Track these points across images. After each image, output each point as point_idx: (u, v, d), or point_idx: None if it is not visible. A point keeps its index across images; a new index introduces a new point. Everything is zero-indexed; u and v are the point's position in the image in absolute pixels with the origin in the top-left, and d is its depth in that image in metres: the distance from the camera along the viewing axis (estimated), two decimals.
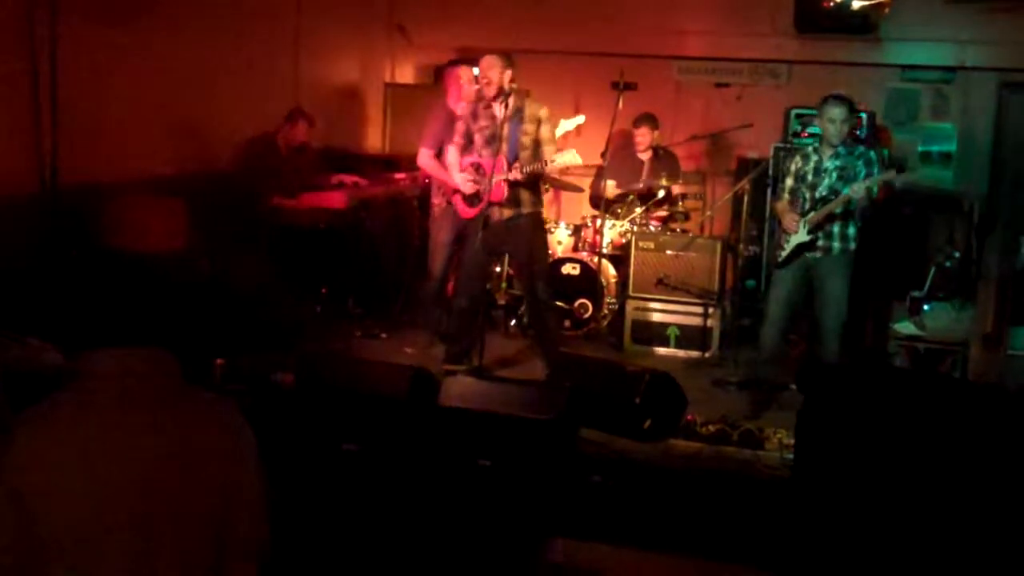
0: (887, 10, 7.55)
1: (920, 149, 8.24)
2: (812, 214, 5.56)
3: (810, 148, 5.75)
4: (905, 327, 6.07)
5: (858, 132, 7.18)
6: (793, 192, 5.74)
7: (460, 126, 6.01)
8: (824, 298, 5.62)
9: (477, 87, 6.11)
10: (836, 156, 5.57)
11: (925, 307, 6.10)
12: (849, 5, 7.41)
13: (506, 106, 5.75)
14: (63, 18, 5.50)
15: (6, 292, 4.46)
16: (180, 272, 5.46)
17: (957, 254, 6.53)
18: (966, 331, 5.88)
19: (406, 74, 9.48)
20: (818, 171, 5.61)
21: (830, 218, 5.53)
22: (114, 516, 1.93)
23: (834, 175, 5.55)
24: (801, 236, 5.59)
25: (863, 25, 7.77)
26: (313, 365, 5.21)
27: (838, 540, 3.68)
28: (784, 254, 5.67)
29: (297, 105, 7.16)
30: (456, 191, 6.09)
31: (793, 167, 5.76)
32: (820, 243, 5.58)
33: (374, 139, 9.11)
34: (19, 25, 5.39)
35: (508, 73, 5.74)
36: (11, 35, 5.37)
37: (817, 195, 5.58)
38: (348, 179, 7.27)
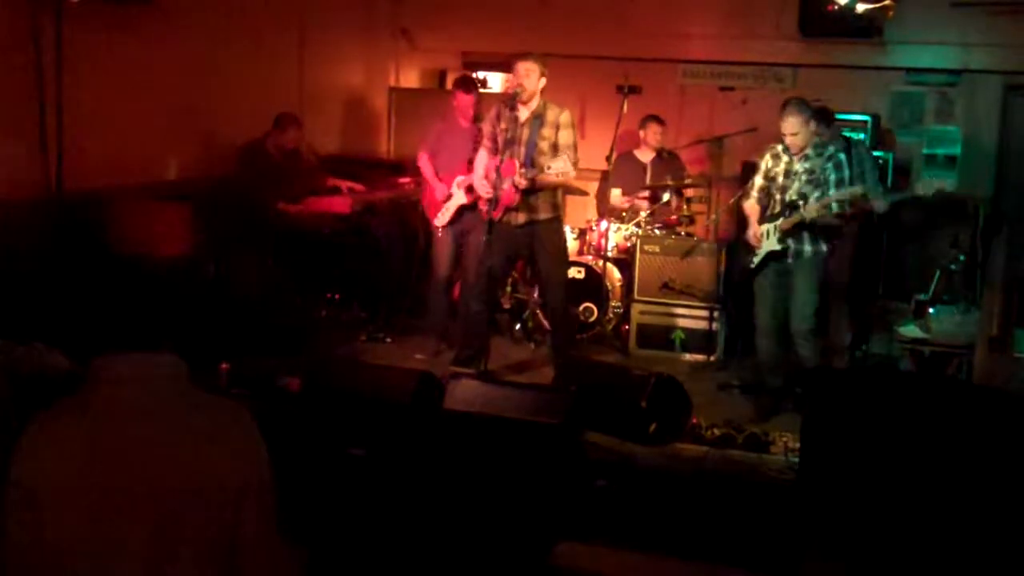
0: (891, 13, 7.53)
1: (925, 152, 8.20)
2: (781, 220, 5.50)
3: (780, 148, 5.62)
4: (910, 330, 6.05)
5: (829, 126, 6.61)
6: (763, 191, 5.69)
7: (487, 128, 6.00)
8: (792, 300, 5.58)
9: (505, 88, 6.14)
10: (805, 158, 5.50)
11: (931, 310, 6.08)
12: (853, 8, 7.39)
13: (532, 111, 5.73)
14: (68, 23, 5.52)
15: (13, 296, 4.48)
16: (186, 276, 5.49)
17: (962, 257, 6.50)
18: (972, 334, 5.85)
19: (410, 78, 9.49)
20: (788, 173, 5.54)
21: (800, 224, 5.48)
22: (126, 518, 1.94)
23: (803, 178, 5.48)
24: (772, 244, 5.55)
25: (867, 28, 7.76)
26: (319, 369, 5.22)
27: (843, 544, 3.67)
28: (756, 260, 5.65)
29: (285, 111, 7.03)
30: (472, 193, 6.17)
31: (764, 166, 5.68)
32: (791, 248, 5.54)
33: (379, 143, 9.12)
34: (24, 30, 5.41)
35: (544, 80, 5.72)
36: (16, 41, 5.39)
37: (787, 198, 5.51)
38: (345, 184, 7.22)
